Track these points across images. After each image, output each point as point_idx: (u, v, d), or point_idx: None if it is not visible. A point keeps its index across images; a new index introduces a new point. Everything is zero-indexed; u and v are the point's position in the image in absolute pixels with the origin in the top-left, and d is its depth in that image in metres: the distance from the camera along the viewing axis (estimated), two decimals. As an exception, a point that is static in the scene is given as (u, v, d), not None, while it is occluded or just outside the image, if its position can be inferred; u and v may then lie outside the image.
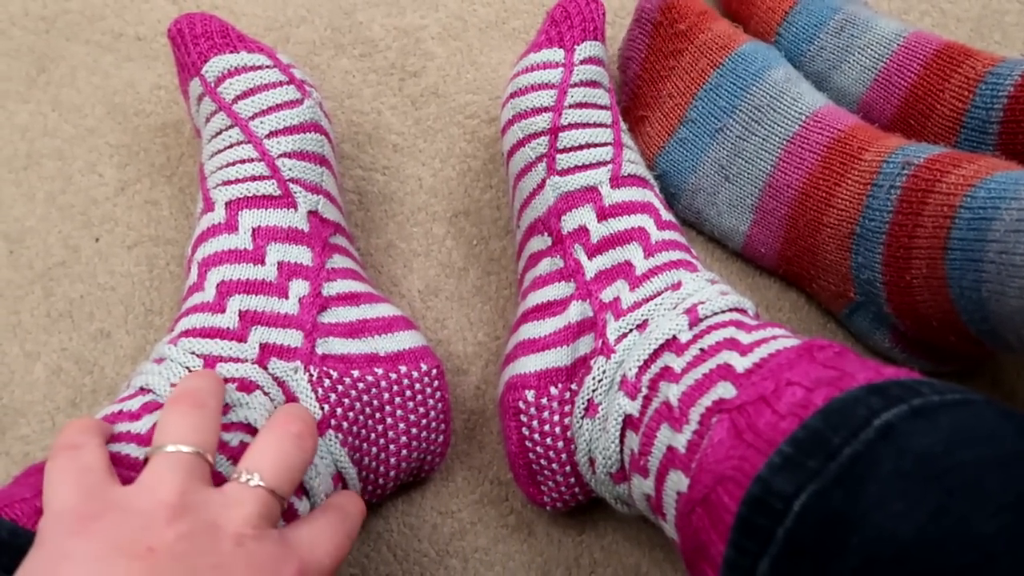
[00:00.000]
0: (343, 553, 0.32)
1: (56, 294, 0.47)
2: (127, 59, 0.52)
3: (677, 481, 0.31)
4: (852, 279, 0.42)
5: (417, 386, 0.39)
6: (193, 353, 0.35)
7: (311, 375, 0.36)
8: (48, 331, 0.46)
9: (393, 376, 0.39)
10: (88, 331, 0.46)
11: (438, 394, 0.40)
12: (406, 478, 0.41)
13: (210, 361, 0.35)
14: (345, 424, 0.37)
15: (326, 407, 0.36)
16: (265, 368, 0.35)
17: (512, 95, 0.43)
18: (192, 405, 0.30)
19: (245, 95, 0.40)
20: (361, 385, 0.38)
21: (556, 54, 0.42)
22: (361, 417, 0.38)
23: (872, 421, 0.25)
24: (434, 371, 0.41)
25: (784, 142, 0.44)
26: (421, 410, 0.40)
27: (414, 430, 0.39)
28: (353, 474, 0.37)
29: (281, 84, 0.41)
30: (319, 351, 0.37)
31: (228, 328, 0.36)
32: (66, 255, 0.47)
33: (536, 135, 0.41)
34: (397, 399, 0.39)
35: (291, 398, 0.36)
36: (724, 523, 0.27)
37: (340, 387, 0.37)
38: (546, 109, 0.41)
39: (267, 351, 0.36)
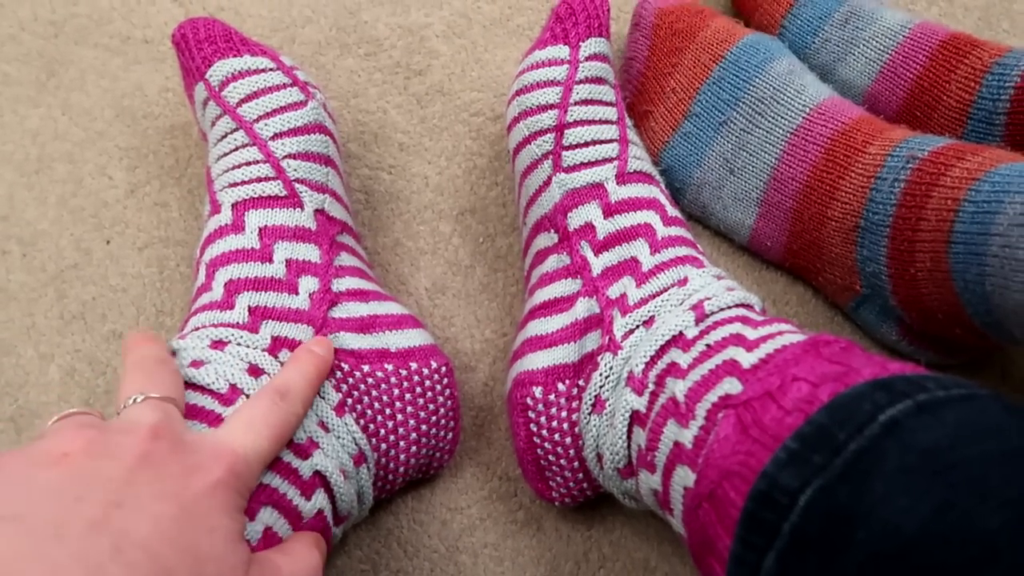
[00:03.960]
0: (287, 430, 0.32)
1: (69, 296, 0.47)
2: (135, 62, 0.52)
3: (684, 476, 0.31)
4: (858, 272, 0.42)
5: (427, 383, 0.40)
6: (204, 341, 0.35)
7: None
8: (62, 333, 0.46)
9: (403, 372, 0.39)
10: (101, 332, 0.46)
11: (447, 391, 0.41)
12: (415, 474, 0.41)
13: (219, 345, 0.35)
14: (355, 417, 0.38)
15: (339, 395, 0.37)
16: (276, 358, 0.36)
17: (517, 92, 0.43)
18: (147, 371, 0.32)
19: (249, 98, 0.40)
20: (371, 380, 0.38)
21: (561, 51, 0.42)
22: (370, 412, 0.38)
23: (877, 417, 0.25)
24: (444, 368, 0.41)
25: (788, 135, 0.44)
26: (431, 407, 0.40)
27: (423, 426, 0.40)
28: (371, 454, 0.37)
29: (285, 86, 0.41)
30: (331, 342, 0.37)
31: (238, 322, 0.36)
32: (78, 257, 0.48)
33: (542, 132, 0.41)
34: (407, 395, 0.39)
35: None
36: (730, 518, 0.27)
37: (351, 380, 0.38)
38: (552, 106, 0.41)
39: (279, 343, 0.36)
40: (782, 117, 0.44)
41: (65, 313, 0.47)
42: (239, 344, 0.36)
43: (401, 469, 0.40)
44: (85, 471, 0.26)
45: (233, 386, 0.34)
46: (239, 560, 0.28)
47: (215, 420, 0.33)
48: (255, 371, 0.35)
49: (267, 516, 0.32)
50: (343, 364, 0.38)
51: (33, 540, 0.24)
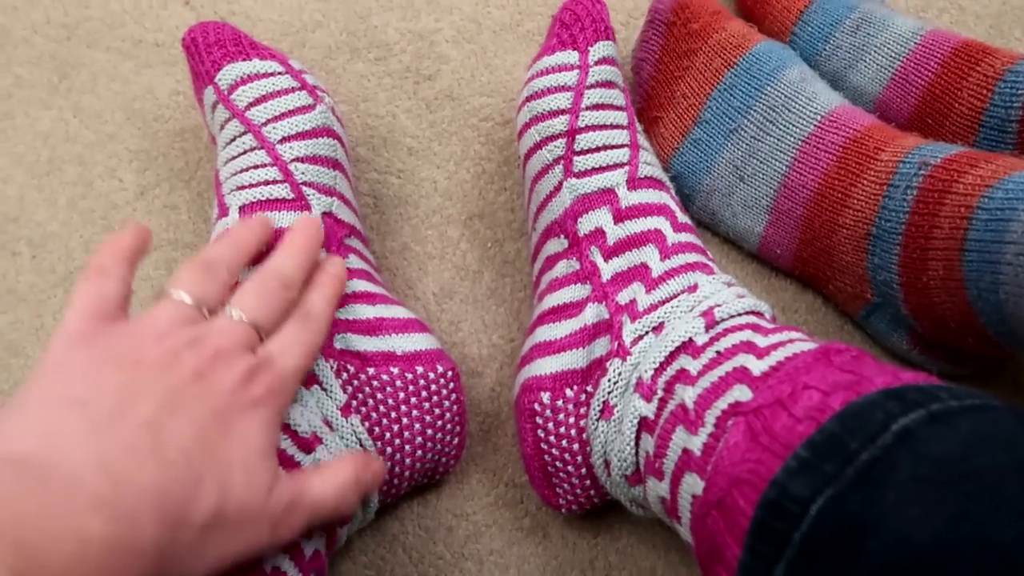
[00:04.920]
0: (315, 349, 0.35)
1: (77, 298, 0.47)
2: (146, 65, 0.52)
3: (692, 484, 0.31)
4: (869, 280, 0.42)
5: (433, 387, 0.40)
6: None
7: (331, 366, 0.37)
8: (70, 334, 0.46)
9: (409, 376, 0.39)
10: (109, 334, 0.46)
11: (454, 396, 0.41)
12: (420, 479, 0.41)
13: None
14: (360, 419, 0.37)
15: (345, 396, 0.37)
16: None
17: (528, 98, 0.43)
18: (204, 268, 0.34)
19: (258, 102, 0.40)
20: (376, 383, 0.38)
21: (571, 56, 0.42)
22: (375, 414, 0.38)
23: (890, 426, 0.25)
24: (450, 373, 0.41)
25: (799, 142, 0.44)
26: (436, 411, 0.40)
27: (429, 431, 0.39)
28: (376, 455, 0.38)
29: (293, 90, 0.41)
30: (337, 346, 0.37)
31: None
32: (87, 259, 0.48)
33: (553, 137, 0.41)
34: (412, 399, 0.39)
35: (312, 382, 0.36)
36: (739, 527, 0.27)
37: (356, 382, 0.38)
38: (563, 111, 0.41)
39: None
40: (793, 125, 0.44)
41: (74, 315, 0.47)
42: None
43: (407, 473, 0.39)
44: (150, 379, 0.29)
45: None
46: (268, 473, 0.31)
47: None
48: None
49: None
50: (349, 366, 0.38)
51: (90, 426, 0.27)
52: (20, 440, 0.27)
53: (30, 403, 0.28)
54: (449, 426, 0.40)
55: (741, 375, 0.32)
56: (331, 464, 0.34)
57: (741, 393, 0.31)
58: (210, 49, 0.41)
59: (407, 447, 0.39)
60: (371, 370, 0.38)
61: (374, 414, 0.38)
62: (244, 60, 0.41)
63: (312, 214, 0.39)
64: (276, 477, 0.31)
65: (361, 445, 0.37)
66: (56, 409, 0.28)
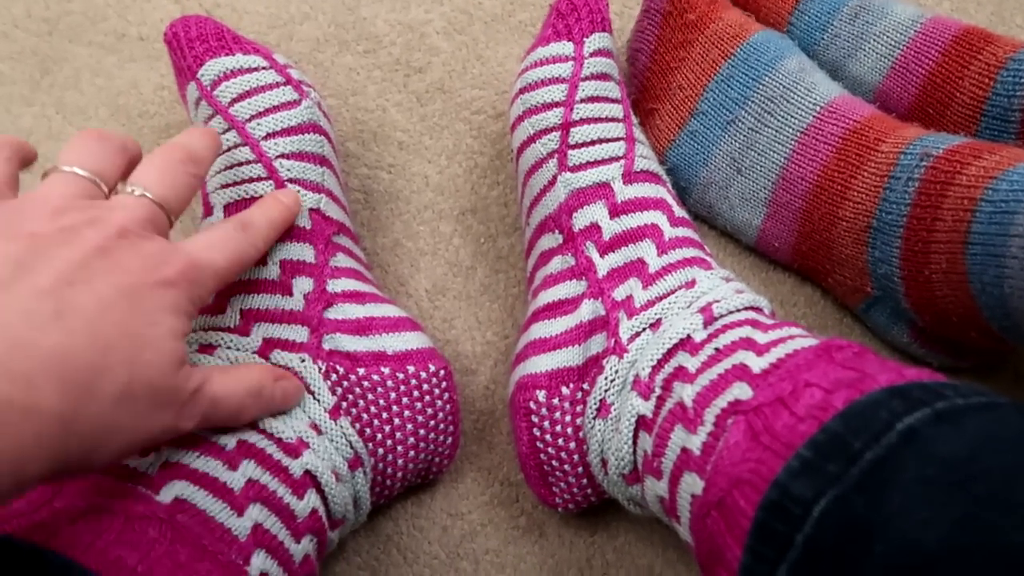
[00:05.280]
0: (243, 257, 0.33)
1: (63, 298, 0.46)
2: (130, 60, 0.51)
3: (692, 483, 0.31)
4: (869, 273, 0.41)
5: (424, 387, 0.39)
6: (193, 345, 0.35)
7: (319, 368, 0.36)
8: (56, 335, 0.46)
9: (400, 376, 0.38)
10: (95, 335, 0.46)
11: (446, 395, 0.40)
12: (414, 479, 0.41)
13: (208, 350, 0.35)
14: (351, 420, 0.37)
15: (334, 398, 0.36)
16: (267, 359, 0.35)
17: (521, 91, 0.42)
18: (97, 138, 0.32)
19: (241, 97, 0.39)
20: (367, 383, 0.37)
21: (565, 47, 0.41)
22: (366, 415, 0.37)
23: (894, 425, 0.25)
24: (442, 372, 0.40)
25: (798, 134, 0.43)
26: (429, 411, 0.39)
27: (422, 431, 0.39)
28: (367, 459, 0.37)
29: (278, 85, 0.40)
30: (326, 347, 0.37)
31: (229, 326, 0.36)
32: None
33: (547, 131, 0.41)
34: (404, 399, 0.38)
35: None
36: (740, 528, 0.27)
37: (346, 383, 0.37)
38: (557, 104, 0.40)
39: (270, 344, 0.36)
40: (792, 116, 0.43)
41: (59, 315, 0.46)
42: (228, 348, 0.36)
43: (399, 474, 0.39)
44: (45, 251, 0.27)
45: None
46: (175, 356, 0.29)
47: None
48: None
49: (256, 512, 0.32)
50: (339, 367, 0.37)
51: None
52: None
53: None
54: (442, 426, 0.40)
55: (741, 372, 0.31)
56: (239, 367, 0.33)
57: (741, 391, 0.30)
58: (192, 44, 0.40)
59: (399, 448, 0.38)
60: (361, 370, 0.38)
61: (365, 415, 0.37)
62: (227, 55, 0.40)
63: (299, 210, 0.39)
64: (184, 362, 0.30)
65: (352, 447, 0.36)
66: None
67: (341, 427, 0.36)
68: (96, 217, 0.29)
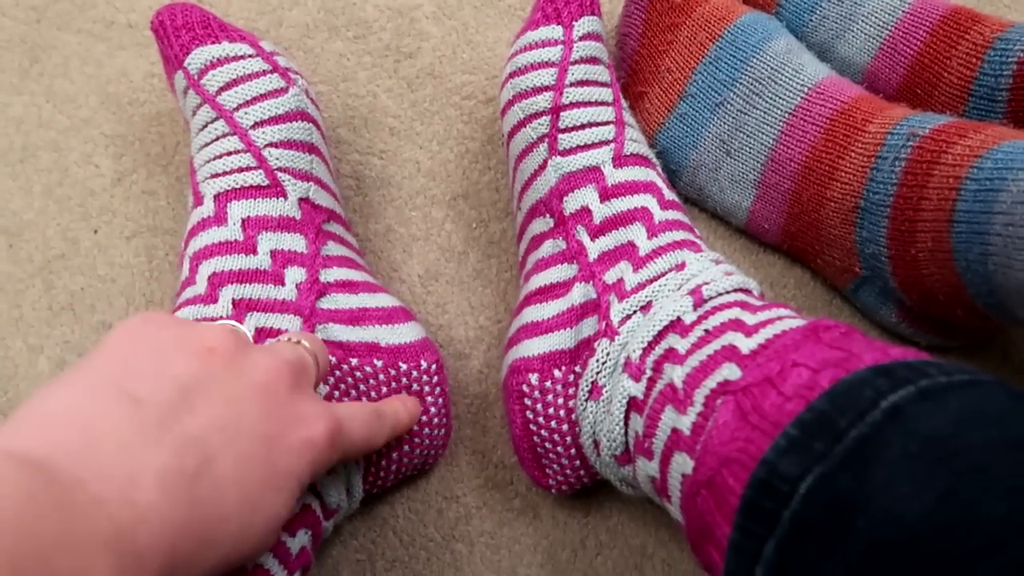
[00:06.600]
0: (374, 442, 0.34)
1: (57, 287, 0.46)
2: (119, 47, 0.51)
3: (682, 463, 0.31)
4: (857, 253, 0.42)
5: (415, 385, 0.39)
6: None
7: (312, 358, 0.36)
8: (50, 324, 0.46)
9: (392, 372, 0.39)
10: (90, 323, 0.46)
11: (437, 389, 0.40)
12: (407, 472, 0.41)
13: None
14: None
15: (326, 388, 0.36)
16: None
17: (511, 75, 0.42)
18: None
19: (228, 86, 0.39)
20: (359, 374, 0.38)
21: (555, 31, 0.41)
22: None
23: (879, 403, 0.25)
24: (433, 367, 0.40)
25: (786, 115, 0.43)
26: (420, 408, 0.39)
27: (415, 427, 0.39)
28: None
29: (264, 73, 0.40)
30: (319, 337, 0.37)
31: (222, 316, 0.36)
32: (65, 247, 0.47)
33: (537, 115, 0.41)
34: (396, 395, 0.39)
35: None
36: (729, 506, 0.27)
37: (338, 372, 0.37)
38: (547, 88, 0.40)
39: (262, 334, 0.36)
40: (780, 97, 0.43)
41: (53, 304, 0.46)
42: None
43: (393, 467, 0.39)
44: (215, 377, 0.28)
45: None
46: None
47: None
48: None
49: None
50: (331, 356, 0.37)
51: (135, 432, 0.25)
52: (57, 428, 0.24)
53: (82, 381, 0.26)
54: (435, 420, 0.40)
55: (730, 353, 0.31)
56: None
57: (730, 372, 0.31)
58: (178, 32, 0.40)
59: (391, 443, 0.38)
60: (354, 360, 0.38)
61: None
62: (213, 43, 0.40)
63: (288, 200, 0.39)
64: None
65: None
66: (105, 400, 0.25)
67: None
68: (265, 357, 0.30)
